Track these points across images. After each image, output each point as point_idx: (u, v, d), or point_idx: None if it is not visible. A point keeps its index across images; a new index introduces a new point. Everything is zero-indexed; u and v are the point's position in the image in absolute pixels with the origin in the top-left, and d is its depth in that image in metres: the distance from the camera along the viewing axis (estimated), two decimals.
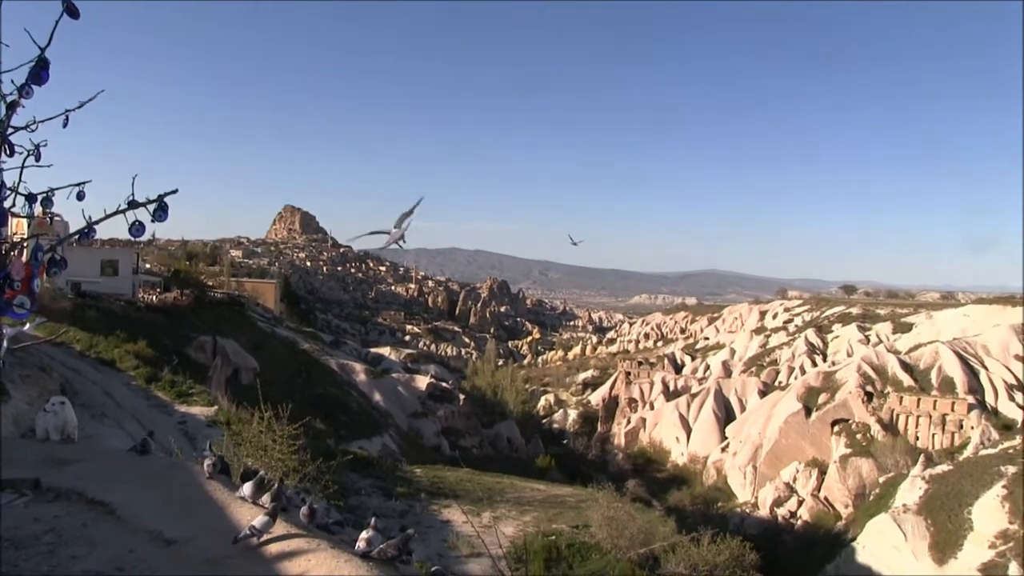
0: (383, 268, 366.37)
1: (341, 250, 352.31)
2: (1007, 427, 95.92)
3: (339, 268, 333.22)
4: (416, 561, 20.72)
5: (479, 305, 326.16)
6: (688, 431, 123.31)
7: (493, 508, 32.39)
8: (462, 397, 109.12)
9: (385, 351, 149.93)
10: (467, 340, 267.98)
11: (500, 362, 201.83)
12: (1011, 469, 77.22)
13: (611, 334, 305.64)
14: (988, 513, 72.59)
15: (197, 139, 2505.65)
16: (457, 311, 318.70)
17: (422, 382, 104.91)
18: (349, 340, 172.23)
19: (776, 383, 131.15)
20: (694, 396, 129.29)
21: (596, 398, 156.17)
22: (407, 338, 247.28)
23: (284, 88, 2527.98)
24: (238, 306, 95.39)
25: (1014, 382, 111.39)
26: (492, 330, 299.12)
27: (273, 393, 29.64)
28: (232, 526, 8.46)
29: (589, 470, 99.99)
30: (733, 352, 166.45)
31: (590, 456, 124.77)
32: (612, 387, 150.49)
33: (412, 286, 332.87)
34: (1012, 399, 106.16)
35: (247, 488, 9.24)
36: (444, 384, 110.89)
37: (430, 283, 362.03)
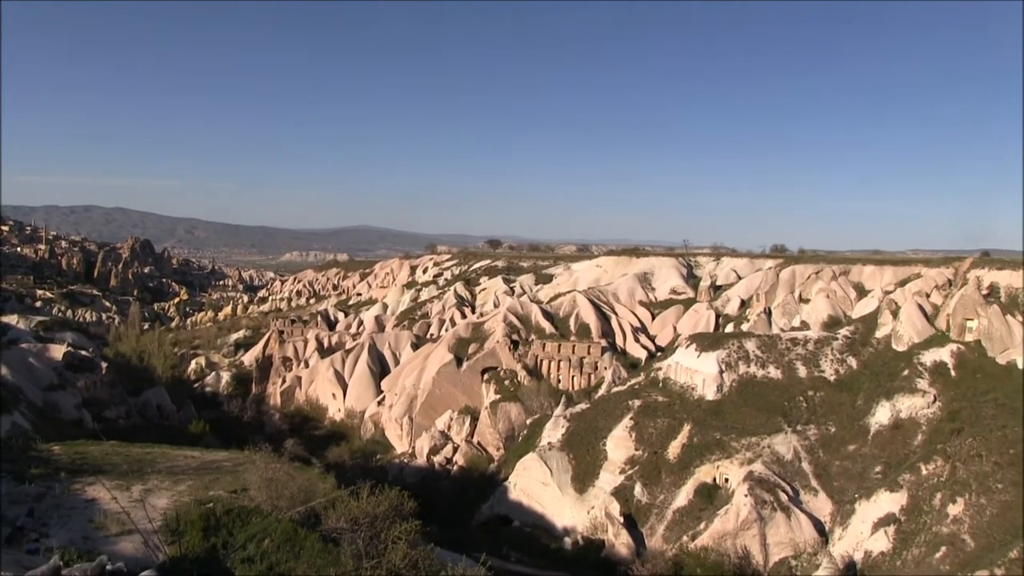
0: (5, 228, 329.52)
1: None
2: (633, 366, 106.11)
3: None
4: (58, 547, 18.99)
5: (120, 266, 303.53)
6: (344, 387, 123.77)
7: (144, 481, 30.50)
8: (104, 365, 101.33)
9: (12, 319, 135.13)
10: (108, 304, 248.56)
11: (145, 326, 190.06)
12: (636, 403, 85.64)
13: (262, 293, 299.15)
14: (618, 443, 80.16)
15: None
16: (95, 273, 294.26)
17: (57, 351, 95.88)
18: None
19: (428, 335, 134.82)
20: (348, 352, 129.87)
21: (249, 359, 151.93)
22: (38, 304, 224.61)
23: None
24: None
25: (639, 325, 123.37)
26: (135, 293, 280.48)
27: None
28: None
29: (245, 433, 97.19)
30: (386, 307, 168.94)
31: (246, 418, 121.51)
32: (265, 347, 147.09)
33: (42, 247, 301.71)
34: (637, 340, 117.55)
35: None
36: (83, 352, 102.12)
37: (63, 243, 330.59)
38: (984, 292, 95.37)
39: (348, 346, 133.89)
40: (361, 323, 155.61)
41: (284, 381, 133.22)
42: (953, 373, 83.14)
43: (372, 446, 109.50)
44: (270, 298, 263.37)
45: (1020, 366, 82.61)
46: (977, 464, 64.64)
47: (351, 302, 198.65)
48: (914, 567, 59.41)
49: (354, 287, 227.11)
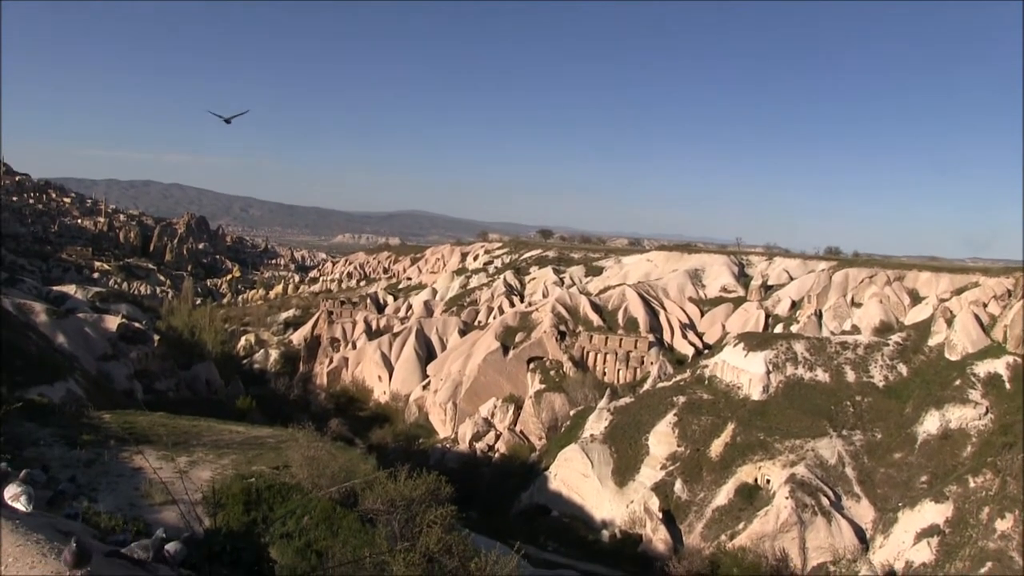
0: (67, 200, 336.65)
1: (17, 179, 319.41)
2: (680, 362, 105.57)
3: (15, 199, 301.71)
4: (104, 512, 19.53)
5: (175, 242, 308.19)
6: (390, 370, 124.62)
7: (189, 452, 31.14)
8: (156, 338, 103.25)
9: (70, 289, 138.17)
10: (162, 278, 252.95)
11: (198, 301, 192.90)
12: (681, 399, 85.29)
13: (313, 273, 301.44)
14: (661, 439, 79.93)
15: None
16: (151, 247, 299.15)
17: (112, 322, 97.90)
18: (27, 278, 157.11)
19: (476, 322, 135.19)
20: (396, 335, 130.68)
21: (298, 338, 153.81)
22: (96, 275, 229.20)
23: None
24: None
25: (687, 322, 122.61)
26: (189, 268, 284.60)
27: None
28: None
29: (291, 411, 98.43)
30: (435, 292, 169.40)
31: (292, 396, 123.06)
32: (314, 327, 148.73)
33: (101, 220, 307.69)
34: (685, 337, 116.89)
35: None
36: (137, 324, 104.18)
37: (121, 217, 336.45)
38: None
39: (396, 329, 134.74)
40: (410, 307, 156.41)
41: (331, 361, 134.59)
42: (1008, 385, 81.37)
43: (415, 430, 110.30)
44: (321, 279, 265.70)
45: None
46: None
47: (401, 286, 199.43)
48: None
49: (404, 271, 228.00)
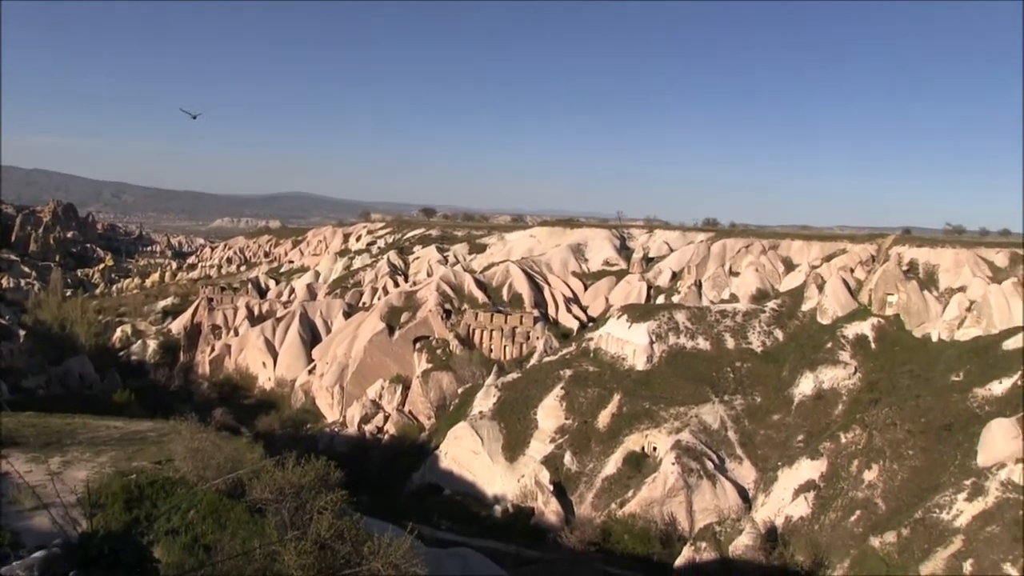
0: None
1: None
2: (565, 336, 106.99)
3: None
4: None
5: (40, 231, 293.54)
6: (274, 355, 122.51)
7: (63, 452, 29.79)
8: (22, 333, 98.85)
9: None
10: (27, 270, 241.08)
11: (68, 293, 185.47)
12: (567, 372, 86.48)
13: (192, 259, 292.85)
14: (549, 412, 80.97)
15: None
16: (13, 237, 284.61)
17: None
18: None
19: (361, 304, 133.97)
20: (279, 320, 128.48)
21: (177, 327, 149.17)
22: None
23: None
24: None
25: (571, 296, 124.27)
26: (57, 258, 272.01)
27: None
28: None
29: (172, 402, 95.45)
30: (318, 275, 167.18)
31: (173, 387, 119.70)
32: (194, 314, 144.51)
33: None
34: (569, 311, 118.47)
35: None
36: (0, 320, 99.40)
37: None
38: (904, 268, 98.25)
39: (279, 314, 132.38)
40: (293, 291, 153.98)
41: (213, 349, 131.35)
42: (873, 346, 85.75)
43: (302, 415, 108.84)
44: (199, 265, 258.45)
45: (935, 339, 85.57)
46: (892, 432, 67.06)
47: (283, 270, 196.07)
48: (831, 531, 61.59)
49: (286, 254, 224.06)
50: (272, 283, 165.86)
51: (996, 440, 60.82)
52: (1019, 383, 68.08)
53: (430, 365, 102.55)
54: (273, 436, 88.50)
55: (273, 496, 23.96)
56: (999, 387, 68.78)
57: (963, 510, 55.99)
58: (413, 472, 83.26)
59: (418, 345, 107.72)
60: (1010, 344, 76.15)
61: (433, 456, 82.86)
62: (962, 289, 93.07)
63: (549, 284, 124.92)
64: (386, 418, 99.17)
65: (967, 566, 51.44)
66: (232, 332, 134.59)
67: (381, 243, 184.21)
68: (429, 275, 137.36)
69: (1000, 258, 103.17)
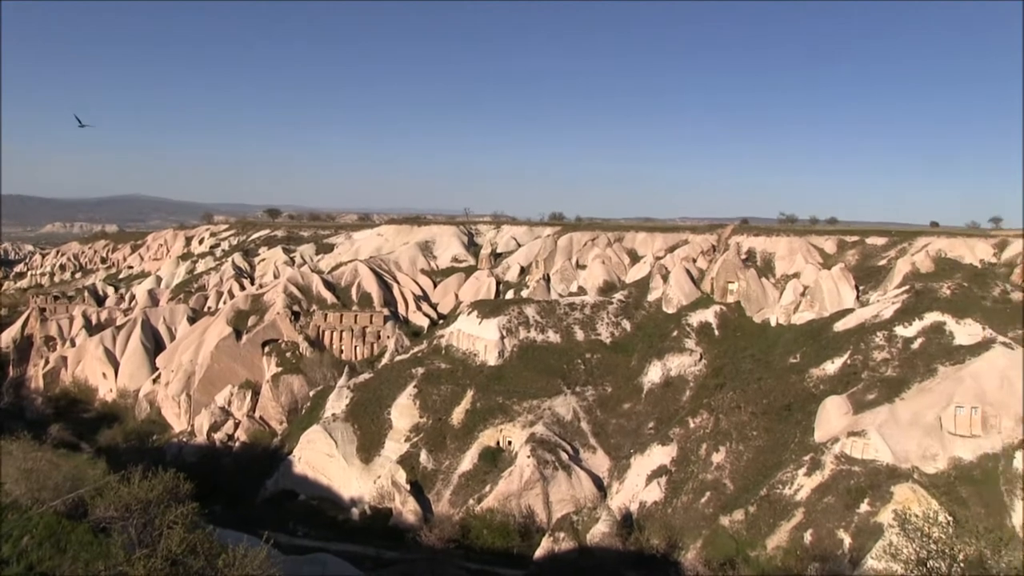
0: None
1: None
2: (416, 334, 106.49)
3: None
4: None
5: None
6: (116, 366, 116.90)
7: None
8: None
9: None
10: None
11: None
12: (420, 371, 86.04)
13: (20, 267, 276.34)
14: (403, 411, 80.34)
15: None
16: None
17: None
18: None
19: (206, 309, 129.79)
20: (120, 328, 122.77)
21: (6, 340, 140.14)
22: None
23: None
24: None
25: (420, 294, 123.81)
26: None
27: None
28: None
29: (2, 420, 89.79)
30: (160, 280, 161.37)
31: (2, 404, 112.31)
32: (24, 326, 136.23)
33: None
34: (420, 309, 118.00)
35: None
36: None
37: None
38: (743, 257, 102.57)
39: (119, 322, 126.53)
40: (133, 298, 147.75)
41: (47, 362, 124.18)
42: (717, 332, 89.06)
43: (148, 426, 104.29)
44: (29, 273, 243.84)
45: (773, 324, 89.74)
46: (737, 415, 69.79)
47: (122, 276, 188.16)
48: (683, 513, 63.49)
49: (125, 260, 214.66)
50: (111, 290, 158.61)
51: (830, 416, 64.27)
52: (849, 362, 72.11)
53: (280, 369, 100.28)
54: (117, 450, 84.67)
55: (119, 514, 22.58)
56: (832, 366, 72.73)
57: (803, 484, 58.90)
58: (267, 479, 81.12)
59: (267, 349, 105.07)
60: (840, 325, 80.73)
61: (287, 461, 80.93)
62: (796, 275, 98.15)
63: (398, 282, 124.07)
64: (236, 425, 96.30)
65: (807, 536, 54.16)
66: (68, 343, 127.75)
67: (225, 245, 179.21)
68: (276, 277, 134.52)
69: (829, 245, 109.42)
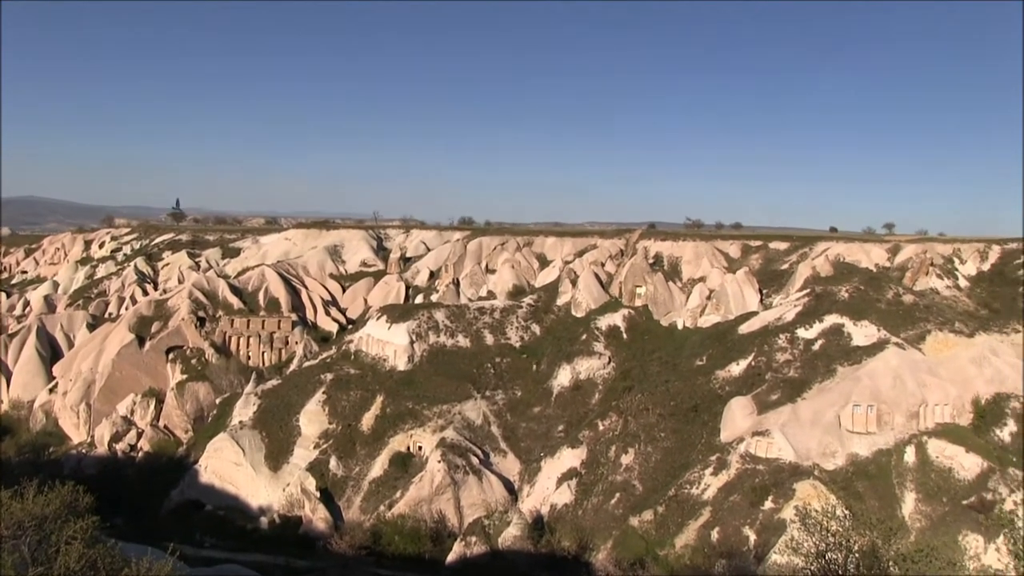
0: None
1: None
2: (325, 339, 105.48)
3: None
4: None
5: None
6: (8, 375, 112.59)
7: None
8: None
9: None
10: None
11: None
12: (328, 376, 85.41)
13: None
14: (312, 418, 79.65)
15: None
16: None
17: None
18: None
19: (107, 315, 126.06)
20: (13, 336, 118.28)
21: None
22: None
23: None
24: None
25: (329, 298, 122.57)
26: None
27: None
28: None
29: None
30: (56, 285, 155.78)
31: None
32: None
33: None
34: (328, 314, 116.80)
35: None
36: None
37: None
38: (650, 261, 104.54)
39: (12, 329, 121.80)
40: (27, 304, 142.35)
41: None
42: (625, 336, 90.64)
43: (44, 438, 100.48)
44: None
45: (680, 327, 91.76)
46: (645, 417, 71.27)
47: (15, 281, 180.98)
48: (593, 514, 64.53)
49: (18, 264, 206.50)
50: (2, 296, 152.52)
51: (735, 417, 66.27)
52: (753, 363, 74.33)
53: (185, 376, 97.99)
54: (9, 464, 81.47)
55: (10, 532, 21.89)
56: (737, 368, 74.90)
57: (710, 484, 60.62)
58: (172, 489, 79.26)
59: (171, 356, 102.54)
60: (745, 328, 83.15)
61: (192, 471, 79.28)
62: (702, 279, 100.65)
63: (306, 287, 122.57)
64: (140, 435, 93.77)
65: (714, 534, 55.79)
66: None
67: (127, 249, 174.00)
68: (180, 282, 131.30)
69: (733, 249, 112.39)
